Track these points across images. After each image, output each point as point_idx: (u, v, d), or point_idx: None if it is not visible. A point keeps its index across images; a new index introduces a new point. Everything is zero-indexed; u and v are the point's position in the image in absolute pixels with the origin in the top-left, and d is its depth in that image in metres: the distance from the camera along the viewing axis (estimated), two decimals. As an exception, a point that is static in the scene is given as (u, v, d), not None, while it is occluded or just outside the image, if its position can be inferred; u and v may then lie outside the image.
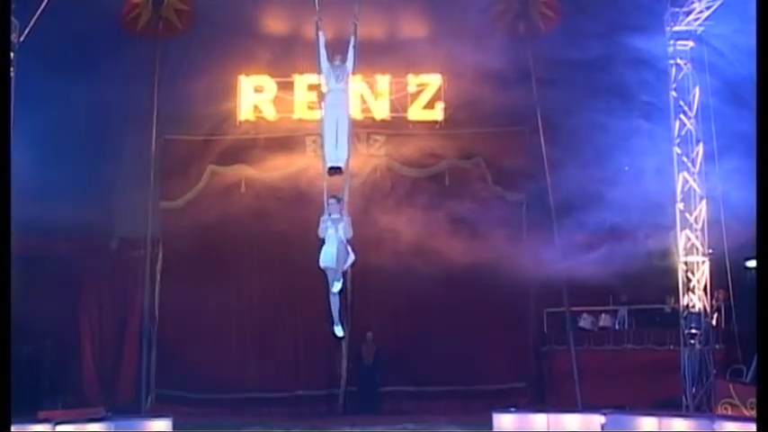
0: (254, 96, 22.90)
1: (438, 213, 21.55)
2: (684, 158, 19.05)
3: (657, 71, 19.15)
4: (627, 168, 20.79)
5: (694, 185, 18.94)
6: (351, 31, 13.75)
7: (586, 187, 19.62)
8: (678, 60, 18.94)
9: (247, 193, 22.61)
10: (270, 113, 22.88)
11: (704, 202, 18.87)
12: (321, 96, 14.25)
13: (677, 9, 18.45)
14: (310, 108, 22.60)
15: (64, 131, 20.11)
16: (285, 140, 22.81)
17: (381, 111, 23.00)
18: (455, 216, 21.41)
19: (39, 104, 18.66)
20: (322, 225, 13.16)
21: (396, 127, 23.13)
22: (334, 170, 13.31)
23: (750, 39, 12.84)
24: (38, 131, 18.53)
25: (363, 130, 22.84)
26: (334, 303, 13.52)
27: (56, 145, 19.63)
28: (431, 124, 23.04)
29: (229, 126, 22.94)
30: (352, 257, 13.30)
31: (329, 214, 13.12)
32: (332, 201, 13.17)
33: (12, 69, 17.61)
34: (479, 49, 20.97)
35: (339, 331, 13.96)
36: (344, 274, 21.10)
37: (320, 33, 13.62)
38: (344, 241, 13.06)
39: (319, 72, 13.76)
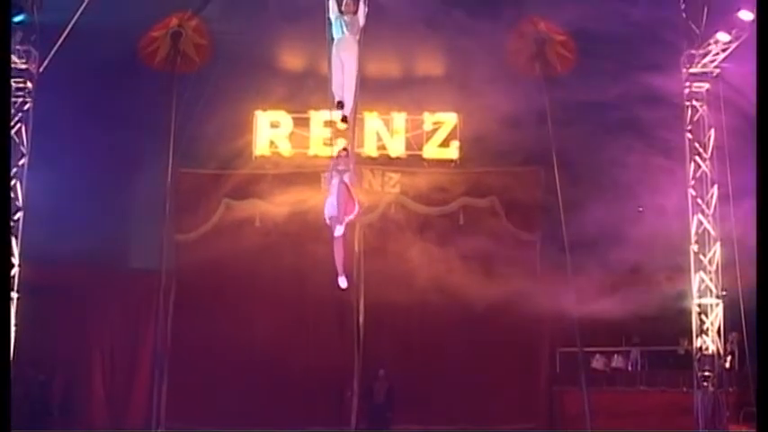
0: (269, 131, 22.98)
1: (452, 251, 21.61)
2: (699, 200, 18.99)
3: (675, 107, 19.11)
4: (641, 209, 20.75)
5: (708, 227, 18.86)
6: None
7: (602, 227, 19.63)
8: (694, 102, 18.93)
9: (261, 227, 22.63)
10: (285, 149, 22.96)
11: (718, 244, 18.79)
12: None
13: (693, 51, 18.46)
14: (326, 144, 22.67)
15: (80, 162, 20.19)
16: (300, 176, 22.81)
17: (397, 148, 23.05)
18: (469, 254, 21.42)
19: (56, 134, 18.81)
20: (327, 177, 13.60)
21: (411, 164, 23.15)
22: (342, 105, 13.45)
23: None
24: (54, 162, 18.64)
25: (378, 166, 22.95)
26: (338, 251, 13.53)
27: (72, 176, 19.71)
28: (446, 162, 23.08)
29: (245, 160, 23.00)
30: (357, 209, 13.49)
31: (335, 166, 13.43)
32: (342, 153, 13.62)
33: (30, 99, 17.81)
34: (495, 88, 21.12)
35: (343, 282, 13.72)
36: (357, 310, 21.69)
37: None
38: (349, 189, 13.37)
39: (327, 23, 13.59)
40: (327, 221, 13.17)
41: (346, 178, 13.28)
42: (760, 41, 13.15)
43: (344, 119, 13.47)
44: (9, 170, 16.06)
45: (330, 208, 13.20)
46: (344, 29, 13.41)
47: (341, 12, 13.49)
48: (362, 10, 13.55)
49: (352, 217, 13.41)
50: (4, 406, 11.86)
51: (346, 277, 13.69)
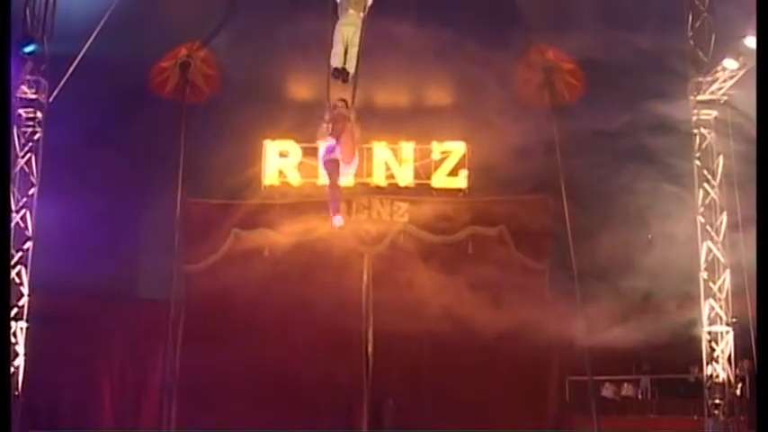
0: (278, 161, 23.06)
1: (461, 280, 21.57)
2: (708, 228, 18.91)
3: (683, 135, 19.07)
4: (650, 237, 20.73)
5: (718, 254, 18.78)
6: None
7: (611, 255, 19.62)
8: (702, 129, 18.89)
9: (270, 257, 22.64)
10: (294, 178, 23.02)
11: (728, 271, 18.71)
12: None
13: (701, 78, 18.46)
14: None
15: (90, 192, 20.26)
16: (309, 206, 22.82)
17: (405, 177, 23.10)
18: (478, 283, 21.40)
19: (66, 164, 18.84)
20: (322, 128, 13.21)
21: (419, 193, 23.18)
22: (340, 72, 13.22)
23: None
24: (64, 191, 18.67)
25: (387, 196, 22.99)
26: (333, 192, 13.58)
27: (82, 206, 19.75)
28: (454, 191, 23.12)
29: (254, 190, 23.06)
30: (356, 158, 13.29)
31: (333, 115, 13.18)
32: (340, 103, 13.30)
33: (40, 130, 17.85)
34: (504, 117, 21.16)
35: (338, 221, 13.54)
36: (365, 339, 21.68)
37: None
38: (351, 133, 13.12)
39: (332, 4, 13.59)
40: (323, 167, 13.11)
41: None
42: (760, 67, 13.17)
43: (346, 77, 13.29)
44: (8, 194, 16.10)
45: (327, 152, 13.04)
46: (350, 7, 13.31)
47: None
48: None
49: (352, 168, 13.29)
50: (4, 409, 11.86)
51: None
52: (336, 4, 13.59)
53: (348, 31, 13.31)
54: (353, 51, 13.36)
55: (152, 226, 22.46)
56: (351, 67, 13.28)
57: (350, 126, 13.15)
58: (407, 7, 20.58)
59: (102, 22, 18.68)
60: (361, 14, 13.47)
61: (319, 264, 22.16)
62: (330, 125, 13.09)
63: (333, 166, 13.13)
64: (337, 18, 13.56)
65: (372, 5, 13.68)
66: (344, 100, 13.43)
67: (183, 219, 22.10)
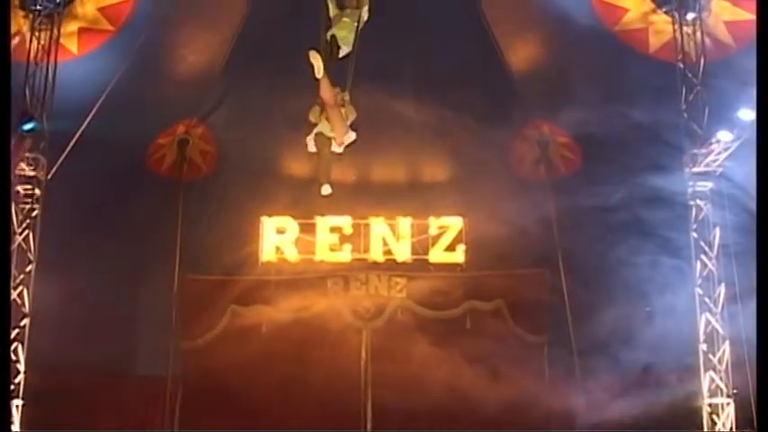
0: (276, 237, 23.02)
1: (459, 355, 21.45)
2: (707, 299, 18.88)
3: (680, 207, 19.12)
4: (648, 309, 20.69)
5: (717, 326, 18.72)
6: None
7: (610, 328, 19.56)
8: (698, 201, 18.94)
9: (268, 333, 22.51)
10: (291, 255, 22.98)
11: (727, 343, 18.64)
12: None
13: (696, 151, 18.55)
14: (332, 250, 22.82)
15: (88, 268, 20.29)
16: (306, 282, 22.85)
17: (403, 253, 23.07)
18: (477, 358, 21.29)
19: (63, 241, 18.85)
20: (314, 109, 13.32)
21: (417, 269, 23.15)
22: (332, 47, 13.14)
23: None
24: (62, 269, 18.68)
25: (385, 271, 22.96)
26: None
27: (79, 283, 19.75)
28: (452, 266, 23.09)
29: (251, 266, 23.00)
30: (352, 135, 13.41)
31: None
32: (336, 89, 13.24)
33: (38, 206, 17.90)
34: (500, 192, 21.24)
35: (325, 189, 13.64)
36: (364, 415, 21.50)
37: None
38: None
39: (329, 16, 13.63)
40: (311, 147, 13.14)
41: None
42: (760, 140, 13.27)
43: (337, 52, 13.24)
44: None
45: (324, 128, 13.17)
46: (345, 16, 13.32)
47: (341, 8, 13.56)
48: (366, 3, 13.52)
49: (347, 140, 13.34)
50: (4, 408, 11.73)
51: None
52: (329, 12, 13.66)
53: (341, 33, 13.33)
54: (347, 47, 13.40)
55: (150, 302, 22.41)
56: (345, 48, 13.23)
57: (341, 110, 13.23)
58: (404, 83, 20.78)
59: (100, 100, 18.83)
60: (356, 24, 13.48)
61: (317, 340, 22.08)
62: (321, 105, 13.20)
63: (322, 142, 13.23)
64: (330, 26, 13.59)
65: (367, 21, 13.69)
66: (339, 87, 13.41)
67: (181, 295, 22.10)
